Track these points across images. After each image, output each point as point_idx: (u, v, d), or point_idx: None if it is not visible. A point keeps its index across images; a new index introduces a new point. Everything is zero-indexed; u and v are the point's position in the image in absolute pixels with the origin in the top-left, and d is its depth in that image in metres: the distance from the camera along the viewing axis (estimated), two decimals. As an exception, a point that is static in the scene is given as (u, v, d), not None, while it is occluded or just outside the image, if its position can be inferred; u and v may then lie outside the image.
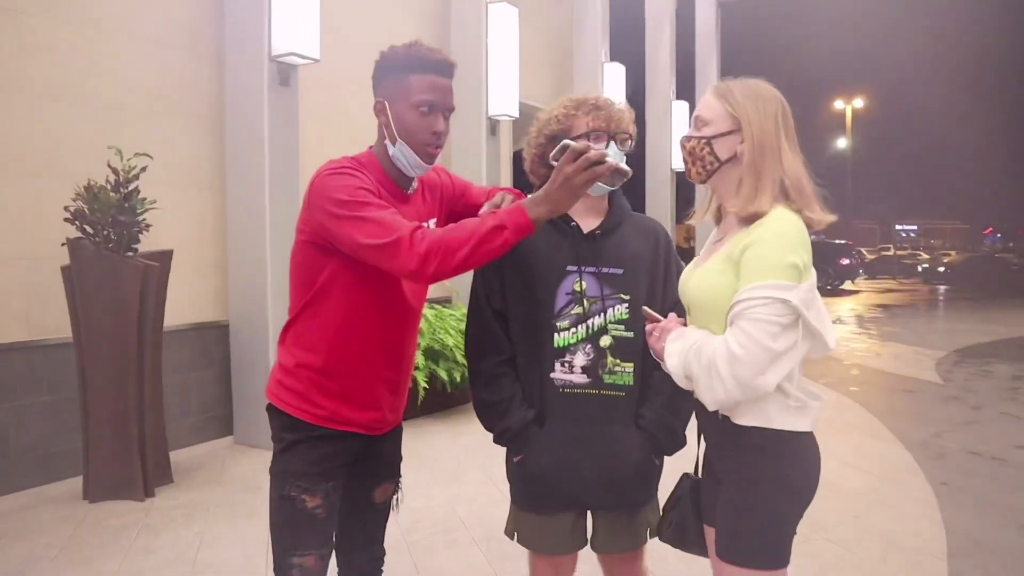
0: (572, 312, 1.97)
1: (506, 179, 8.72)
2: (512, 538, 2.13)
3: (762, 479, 1.67)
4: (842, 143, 38.59)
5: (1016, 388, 8.04)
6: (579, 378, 1.96)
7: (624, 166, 1.77)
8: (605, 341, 1.96)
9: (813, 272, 1.64)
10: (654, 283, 2.03)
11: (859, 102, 36.89)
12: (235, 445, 5.39)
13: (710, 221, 1.90)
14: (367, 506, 2.12)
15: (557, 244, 2.00)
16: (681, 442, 2.03)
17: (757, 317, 1.55)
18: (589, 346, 1.96)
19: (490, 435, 2.08)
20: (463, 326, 6.24)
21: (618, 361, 1.96)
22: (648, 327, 1.82)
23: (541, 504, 2.05)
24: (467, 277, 2.00)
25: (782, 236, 1.60)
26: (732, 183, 1.75)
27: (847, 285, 26.63)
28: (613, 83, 10.24)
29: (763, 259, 1.58)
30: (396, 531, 3.84)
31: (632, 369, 1.98)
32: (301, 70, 5.46)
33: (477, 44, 7.50)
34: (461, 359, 6.15)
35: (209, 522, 3.96)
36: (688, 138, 1.78)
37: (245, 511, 4.12)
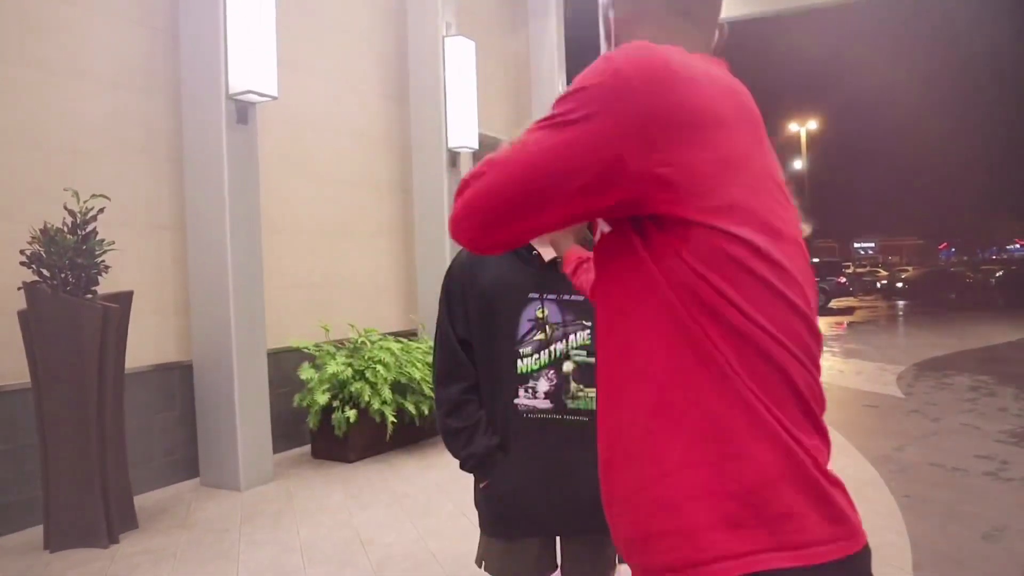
0: (534, 338, 2.01)
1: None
2: (480, 566, 2.14)
3: None
4: (798, 164, 39.37)
5: (974, 399, 8.21)
6: (542, 404, 1.99)
7: None
8: (568, 367, 2.00)
9: None
10: None
11: (813, 124, 37.70)
12: (201, 487, 5.31)
13: None
14: None
15: (519, 271, 2.04)
16: None
17: None
18: (552, 372, 2.00)
19: (458, 468, 2.09)
20: (430, 359, 6.30)
21: (581, 387, 2.00)
22: None
23: (507, 529, 2.06)
24: (434, 309, 2.02)
25: None
26: None
27: (834, 303, 26.67)
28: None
29: None
30: (367, 568, 3.80)
31: (595, 394, 2.00)
32: (260, 108, 5.48)
33: (435, 78, 7.57)
34: (428, 392, 6.14)
35: (176, 567, 3.89)
36: None
37: (213, 554, 4.05)
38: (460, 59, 7.63)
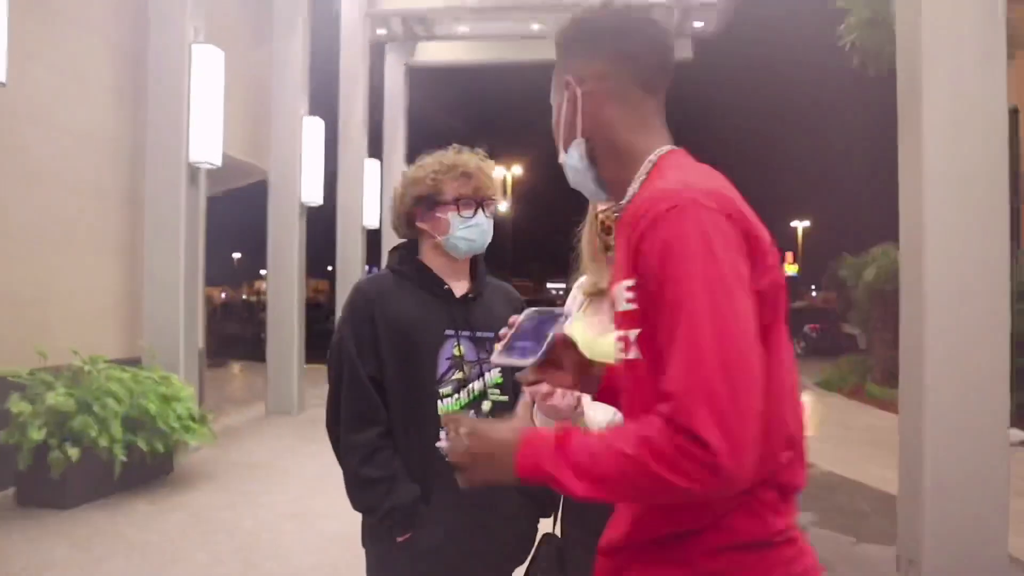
0: (453, 378, 1.91)
1: (204, 230, 8.14)
2: None
3: None
4: (503, 207, 41.56)
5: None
6: None
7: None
8: (486, 406, 1.94)
9: None
10: None
11: (517, 169, 40.10)
12: None
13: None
14: None
15: (431, 307, 1.93)
16: (557, 503, 2.01)
17: None
18: (472, 412, 1.91)
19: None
20: (165, 390, 5.70)
21: None
22: (545, 388, 1.77)
23: (418, 569, 1.88)
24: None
25: None
26: None
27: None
28: (312, 137, 10.09)
29: None
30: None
31: None
32: (-21, 93, 4.67)
33: (178, 86, 6.95)
34: (164, 426, 5.54)
35: None
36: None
37: None
38: (208, 68, 7.10)
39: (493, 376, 1.96)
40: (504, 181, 39.88)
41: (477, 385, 1.94)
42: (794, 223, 44.47)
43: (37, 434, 4.93)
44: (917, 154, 3.92)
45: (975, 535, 3.71)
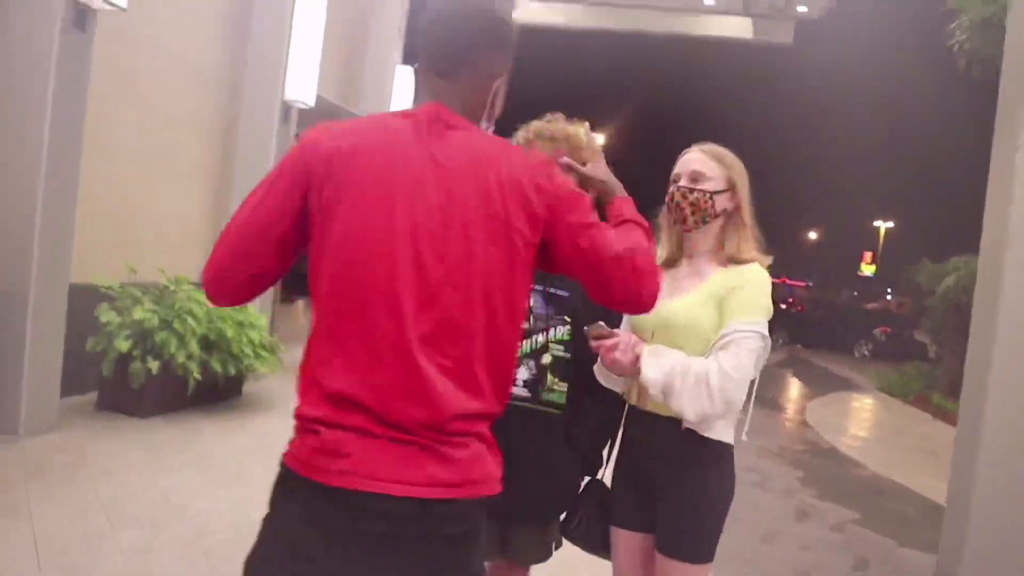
0: None
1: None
2: None
3: (716, 486, 1.94)
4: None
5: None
6: (521, 391, 1.99)
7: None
8: (546, 359, 2.02)
9: None
10: (590, 308, 2.07)
11: (600, 138, 39.76)
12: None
13: None
14: None
15: None
16: (604, 463, 2.13)
17: (747, 347, 1.84)
18: (532, 362, 2.00)
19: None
20: (242, 317, 5.95)
21: (557, 380, 2.02)
22: (608, 342, 1.88)
23: None
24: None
25: (764, 283, 1.94)
26: (711, 233, 2.01)
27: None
28: (404, 86, 10.22)
29: (753, 300, 1.89)
30: (184, 535, 3.56)
31: (566, 389, 2.04)
32: (100, 16, 4.89)
33: (281, 23, 7.17)
34: (238, 352, 5.83)
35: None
36: (691, 190, 1.97)
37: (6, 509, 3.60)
38: (310, 9, 7.28)
39: (560, 333, 2.04)
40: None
41: (540, 338, 2.02)
42: (877, 222, 43.15)
43: (122, 344, 5.24)
44: (1009, 165, 3.83)
45: (1019, 555, 3.69)
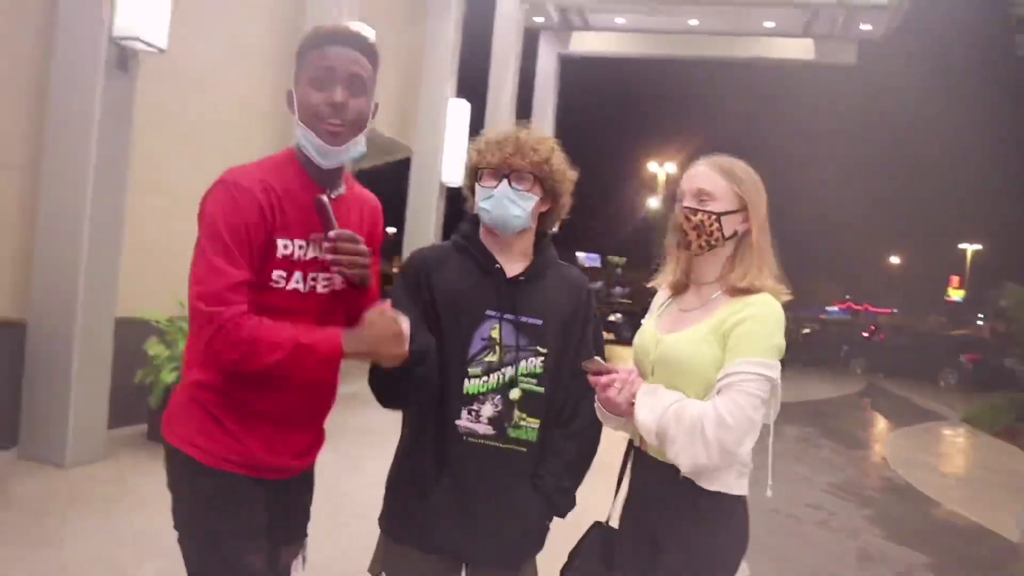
0: (485, 359, 1.87)
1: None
2: None
3: (719, 543, 1.74)
4: (654, 203, 40.97)
5: (804, 449, 8.76)
6: (484, 428, 1.86)
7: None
8: (515, 394, 1.87)
9: None
10: (568, 338, 1.95)
11: (671, 167, 39.39)
12: (18, 460, 4.77)
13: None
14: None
15: (479, 285, 1.89)
16: (573, 504, 1.98)
17: (748, 391, 1.63)
18: (498, 397, 1.87)
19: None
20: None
21: (525, 416, 1.88)
22: (604, 379, 1.76)
23: (418, 534, 1.89)
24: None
25: (773, 318, 1.71)
26: (720, 258, 1.81)
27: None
28: (457, 118, 10.29)
29: (757, 337, 1.68)
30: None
31: (538, 426, 1.91)
32: (142, 58, 5.04)
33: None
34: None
35: (-14, 549, 3.46)
36: (695, 211, 1.79)
37: (31, 539, 3.64)
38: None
39: (531, 365, 1.89)
40: (656, 178, 39.40)
41: (509, 371, 1.87)
42: (962, 244, 41.44)
43: (169, 376, 5.31)
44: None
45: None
